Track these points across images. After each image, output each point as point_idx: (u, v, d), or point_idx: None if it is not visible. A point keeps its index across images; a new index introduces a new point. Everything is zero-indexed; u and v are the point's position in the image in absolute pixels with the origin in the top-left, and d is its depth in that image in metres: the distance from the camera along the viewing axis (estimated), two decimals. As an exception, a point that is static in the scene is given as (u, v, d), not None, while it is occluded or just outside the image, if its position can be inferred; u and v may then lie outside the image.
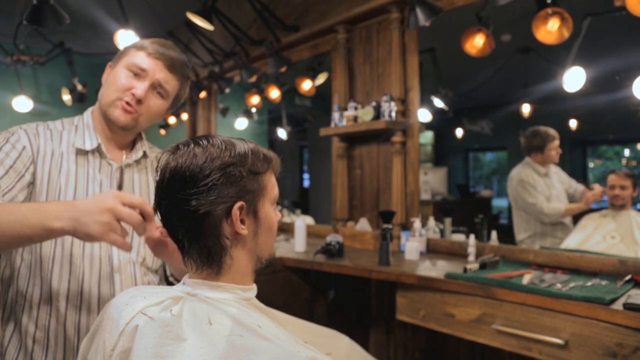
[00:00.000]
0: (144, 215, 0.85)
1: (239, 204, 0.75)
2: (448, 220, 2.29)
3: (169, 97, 1.15)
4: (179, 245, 0.79)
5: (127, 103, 1.08)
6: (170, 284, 1.18)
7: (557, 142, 2.31)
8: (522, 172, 2.35)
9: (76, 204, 0.81)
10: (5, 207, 0.83)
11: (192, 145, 0.77)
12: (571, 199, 2.32)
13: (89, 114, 1.16)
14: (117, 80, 1.08)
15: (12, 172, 0.96)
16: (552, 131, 2.32)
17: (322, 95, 3.11)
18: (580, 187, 2.31)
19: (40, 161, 1.04)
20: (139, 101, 1.08)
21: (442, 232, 2.28)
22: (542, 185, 2.31)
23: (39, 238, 0.83)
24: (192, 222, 0.75)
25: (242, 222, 0.77)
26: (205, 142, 0.77)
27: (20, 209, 0.82)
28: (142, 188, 1.17)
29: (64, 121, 1.14)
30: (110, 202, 0.80)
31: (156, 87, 1.11)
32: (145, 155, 1.20)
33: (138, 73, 1.08)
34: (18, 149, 1.00)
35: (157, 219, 0.85)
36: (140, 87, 1.08)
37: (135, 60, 1.08)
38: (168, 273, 1.20)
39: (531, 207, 2.28)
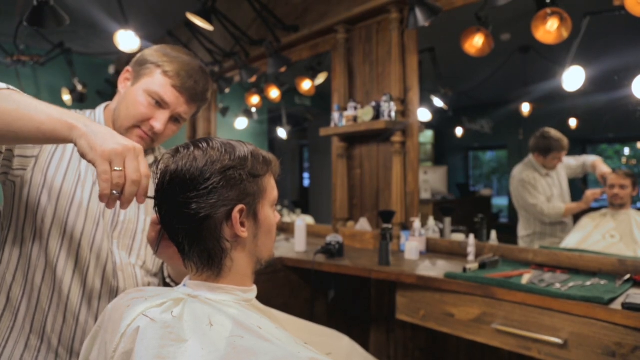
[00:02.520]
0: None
1: (239, 207, 0.76)
2: (448, 220, 2.30)
3: (186, 120, 1.17)
4: (180, 247, 0.80)
5: (144, 132, 1.10)
6: (167, 286, 1.18)
7: (563, 154, 2.28)
8: (524, 172, 2.34)
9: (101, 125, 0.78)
10: (30, 97, 0.80)
11: (192, 148, 0.77)
12: (583, 177, 2.28)
13: (101, 111, 1.16)
14: (137, 107, 1.08)
15: None
16: (563, 142, 2.27)
17: (322, 94, 3.11)
18: (590, 159, 2.28)
19: (50, 149, 1.05)
20: (156, 132, 1.11)
21: (441, 231, 2.29)
22: (544, 185, 2.31)
23: (49, 130, 0.75)
24: (192, 225, 0.75)
25: (242, 224, 0.77)
26: (205, 145, 0.77)
27: (45, 104, 0.79)
28: (149, 191, 1.18)
29: (77, 112, 1.15)
30: (134, 145, 0.76)
31: (175, 116, 1.13)
32: (155, 160, 1.21)
33: (159, 102, 1.09)
34: None
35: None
36: (159, 121, 1.09)
37: (159, 90, 1.08)
38: (165, 274, 1.20)
39: (532, 207, 2.28)
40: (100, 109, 1.17)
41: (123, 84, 1.14)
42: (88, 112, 1.17)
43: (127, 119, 1.09)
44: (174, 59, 1.10)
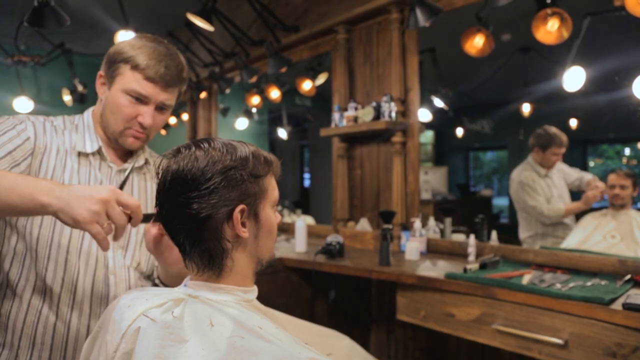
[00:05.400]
0: (132, 218, 0.82)
1: (240, 207, 0.76)
2: (448, 220, 2.30)
3: (171, 106, 1.17)
4: (180, 248, 0.80)
5: (137, 130, 1.10)
6: (156, 287, 1.16)
7: (561, 150, 2.29)
8: (522, 174, 2.34)
9: (71, 187, 0.80)
10: (1, 172, 0.84)
11: (193, 148, 0.77)
12: (578, 191, 2.29)
13: (89, 115, 1.16)
14: (121, 110, 1.08)
15: (8, 157, 0.97)
16: (563, 138, 2.28)
17: (323, 94, 3.11)
18: (587, 177, 2.29)
19: (46, 157, 1.05)
20: (147, 127, 1.11)
21: (442, 232, 2.29)
22: (543, 186, 2.31)
23: (25, 210, 0.80)
24: (193, 225, 0.75)
25: (243, 225, 0.77)
26: (206, 145, 0.77)
27: (15, 178, 0.82)
28: (141, 192, 1.18)
29: (65, 119, 1.15)
30: (107, 195, 0.78)
31: (159, 106, 1.12)
32: (147, 162, 1.21)
33: (139, 98, 1.09)
34: (22, 138, 1.01)
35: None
36: (146, 115, 1.09)
37: (135, 87, 1.07)
38: (155, 275, 1.17)
39: (531, 209, 2.28)
40: (88, 113, 1.17)
41: (101, 90, 1.14)
42: (76, 117, 1.16)
43: (116, 123, 1.10)
44: (139, 50, 1.08)
